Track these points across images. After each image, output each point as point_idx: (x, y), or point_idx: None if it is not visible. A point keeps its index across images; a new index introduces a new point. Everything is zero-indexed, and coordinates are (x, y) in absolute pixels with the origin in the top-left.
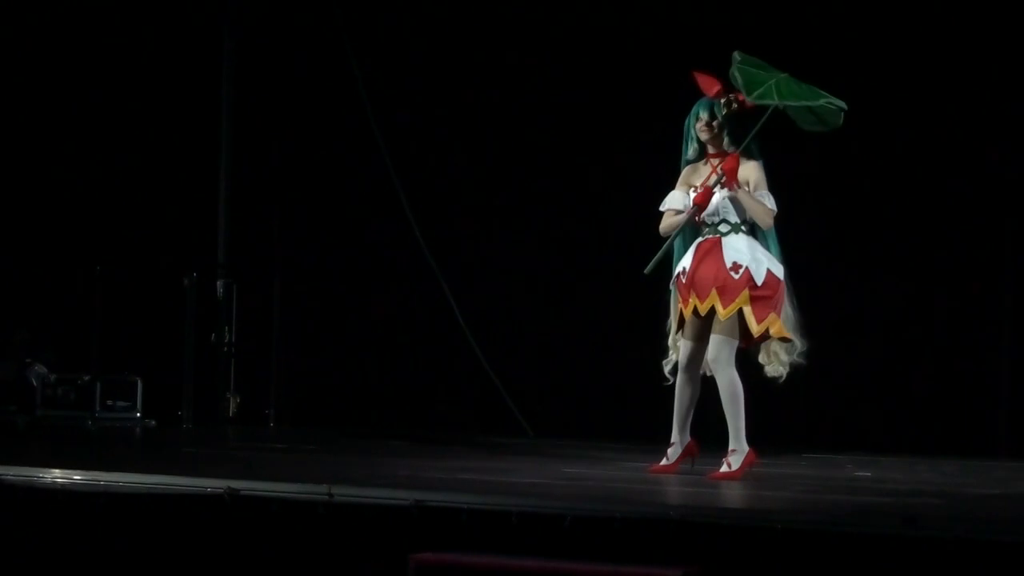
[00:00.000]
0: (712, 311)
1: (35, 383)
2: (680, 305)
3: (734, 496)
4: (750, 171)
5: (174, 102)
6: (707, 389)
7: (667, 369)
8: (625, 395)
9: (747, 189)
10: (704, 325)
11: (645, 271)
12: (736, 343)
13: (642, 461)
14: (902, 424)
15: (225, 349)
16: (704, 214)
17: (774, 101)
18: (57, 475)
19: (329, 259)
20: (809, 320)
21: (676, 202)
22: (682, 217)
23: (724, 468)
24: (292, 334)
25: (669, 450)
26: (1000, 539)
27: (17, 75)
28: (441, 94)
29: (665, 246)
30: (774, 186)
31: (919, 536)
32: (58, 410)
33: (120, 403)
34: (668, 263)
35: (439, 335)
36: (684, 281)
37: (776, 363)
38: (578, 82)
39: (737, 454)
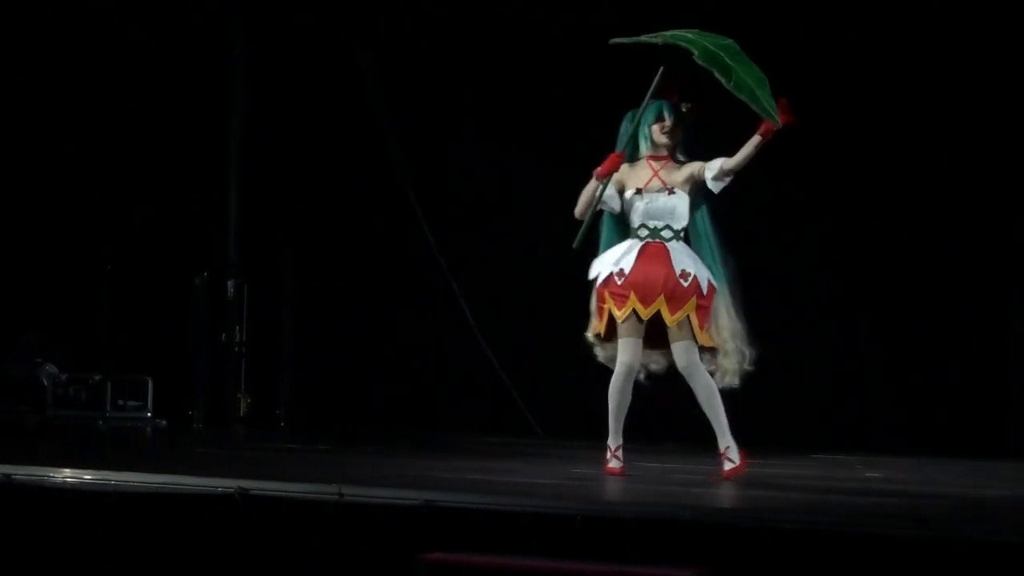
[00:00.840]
0: (654, 316)
1: (46, 383)
2: (608, 306)
3: (745, 497)
4: (690, 165)
5: (184, 102)
6: (639, 380)
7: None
8: (639, 396)
9: (700, 171)
10: (642, 329)
11: (574, 246)
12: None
13: (652, 462)
14: (911, 424)
15: (236, 349)
16: (647, 218)
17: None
18: (68, 475)
19: (340, 259)
20: (818, 321)
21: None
22: (589, 188)
23: (729, 466)
24: (303, 334)
25: (618, 452)
26: (1010, 540)
27: (24, 76)
28: (453, 94)
29: (587, 221)
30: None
31: (929, 537)
32: (69, 410)
33: (131, 403)
34: (595, 239)
35: (449, 335)
36: (621, 283)
37: (728, 374)
38: (598, 84)
39: (732, 449)
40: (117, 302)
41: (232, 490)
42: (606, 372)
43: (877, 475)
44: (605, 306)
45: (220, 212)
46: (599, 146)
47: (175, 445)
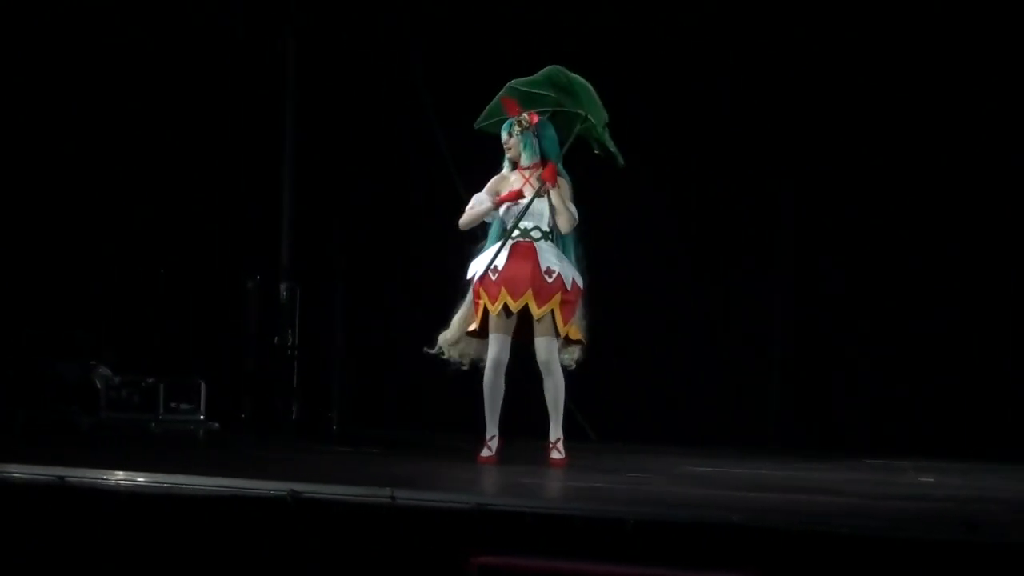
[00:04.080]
0: (522, 310)
1: (99, 385)
2: (483, 301)
3: (796, 501)
4: (560, 183)
5: (239, 105)
6: (686, 382)
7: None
8: (687, 399)
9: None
10: (511, 324)
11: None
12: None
13: (705, 465)
14: (964, 429)
15: (288, 352)
16: (519, 220)
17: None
18: (121, 477)
19: (392, 261)
20: (874, 326)
21: (479, 202)
22: (483, 209)
23: (557, 456)
24: (355, 337)
25: (491, 442)
26: None
27: (77, 78)
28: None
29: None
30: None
31: (982, 542)
32: (122, 412)
33: (183, 405)
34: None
35: None
36: (495, 280)
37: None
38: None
39: (562, 441)
40: (170, 305)
41: (284, 493)
42: (659, 376)
43: (930, 480)
44: (480, 302)
45: (273, 216)
46: (676, 143)
47: (227, 448)
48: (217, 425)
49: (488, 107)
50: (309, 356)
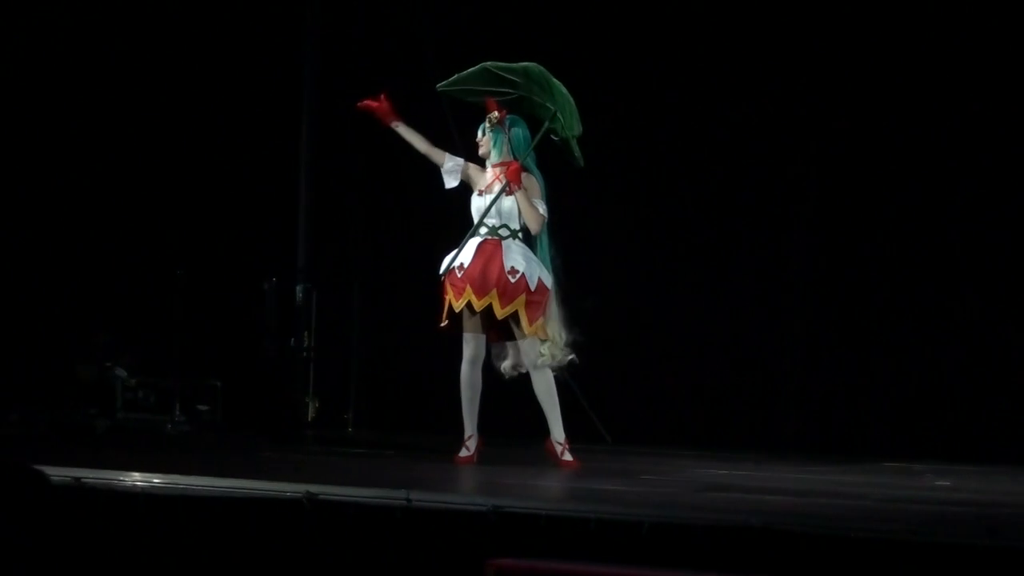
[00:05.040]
0: (486, 309)
1: (116, 386)
2: (448, 297)
3: (814, 504)
4: (527, 182)
5: (255, 106)
6: (702, 385)
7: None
8: (704, 402)
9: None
10: (479, 322)
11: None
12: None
13: (720, 468)
14: (983, 432)
15: (304, 354)
16: (487, 217)
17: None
18: (137, 478)
19: (408, 263)
20: (892, 330)
21: (444, 157)
22: (432, 154)
23: (570, 457)
24: (371, 338)
25: (468, 442)
26: None
27: (94, 82)
28: None
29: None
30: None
31: (1000, 546)
32: (138, 413)
33: (200, 407)
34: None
35: None
36: (460, 276)
37: (549, 356)
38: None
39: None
40: (187, 307)
41: (300, 495)
42: (674, 379)
43: (947, 483)
44: (447, 297)
45: (289, 218)
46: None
47: (243, 449)
48: (233, 427)
49: (457, 75)
50: (325, 358)
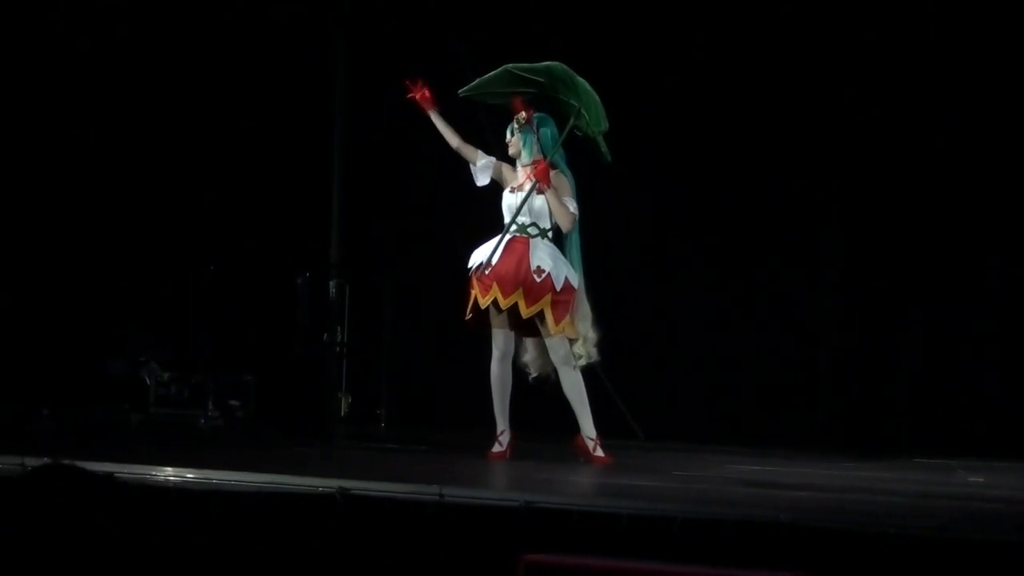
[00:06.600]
0: (512, 307)
1: (149, 381)
2: (475, 292)
3: (845, 500)
4: (557, 181)
5: (289, 102)
6: (734, 381)
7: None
8: (736, 398)
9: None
10: (506, 318)
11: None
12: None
13: (752, 464)
14: (1015, 429)
15: (337, 349)
16: (516, 216)
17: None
18: (170, 473)
19: (441, 260)
20: (924, 327)
21: (482, 156)
22: (453, 139)
23: (602, 453)
24: (404, 334)
25: (501, 437)
26: None
27: (126, 77)
28: None
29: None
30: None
31: None
32: (171, 408)
33: (233, 402)
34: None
35: None
36: (488, 273)
37: (583, 353)
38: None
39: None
40: (220, 301)
41: (333, 490)
42: (706, 375)
43: (979, 480)
44: (473, 292)
45: (323, 212)
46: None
47: (276, 445)
48: (266, 421)
49: (479, 79)
50: (358, 353)
